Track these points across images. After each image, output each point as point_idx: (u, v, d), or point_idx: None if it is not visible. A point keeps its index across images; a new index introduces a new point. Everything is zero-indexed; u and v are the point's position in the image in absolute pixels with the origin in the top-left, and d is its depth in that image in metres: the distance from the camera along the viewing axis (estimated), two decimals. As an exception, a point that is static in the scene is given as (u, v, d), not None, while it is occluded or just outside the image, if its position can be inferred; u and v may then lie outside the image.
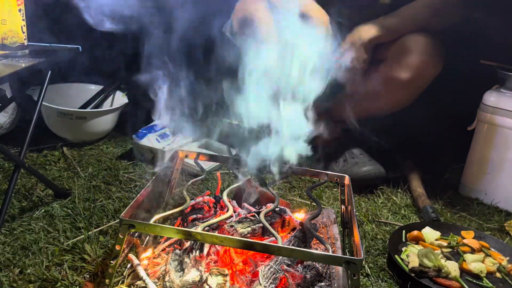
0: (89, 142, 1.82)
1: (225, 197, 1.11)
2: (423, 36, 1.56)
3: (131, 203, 0.95)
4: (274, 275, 0.95)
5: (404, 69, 1.56)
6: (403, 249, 1.23)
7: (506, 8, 1.77)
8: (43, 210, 1.29)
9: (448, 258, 1.21)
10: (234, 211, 1.14)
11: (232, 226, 1.06)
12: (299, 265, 1.00)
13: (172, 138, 1.80)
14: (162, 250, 1.09)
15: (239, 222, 1.07)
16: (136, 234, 1.09)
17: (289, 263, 0.98)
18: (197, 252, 1.00)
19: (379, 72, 1.63)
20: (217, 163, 1.66)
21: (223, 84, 1.26)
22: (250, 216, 1.11)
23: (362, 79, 1.70)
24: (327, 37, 1.39)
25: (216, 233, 1.04)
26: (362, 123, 2.10)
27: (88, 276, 1.04)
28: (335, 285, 0.99)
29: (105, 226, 1.24)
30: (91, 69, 1.81)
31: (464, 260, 1.20)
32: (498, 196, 1.58)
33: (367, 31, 1.57)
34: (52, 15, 1.56)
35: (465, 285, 1.11)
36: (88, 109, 1.88)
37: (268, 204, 1.21)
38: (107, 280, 0.93)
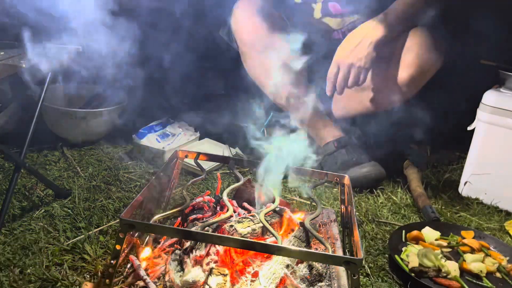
0: (89, 142, 1.82)
1: (225, 197, 1.10)
2: (422, 31, 1.55)
3: (131, 203, 0.95)
4: (274, 275, 0.95)
5: (404, 65, 1.55)
6: (403, 249, 1.23)
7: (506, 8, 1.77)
8: (43, 210, 1.30)
9: (448, 258, 1.21)
10: (234, 211, 1.14)
11: (232, 226, 1.06)
12: (299, 265, 1.00)
13: (172, 138, 1.80)
14: (162, 250, 1.09)
15: (239, 222, 1.07)
16: (136, 234, 1.09)
17: (289, 263, 0.98)
18: (197, 252, 1.00)
19: (378, 68, 1.63)
20: (217, 163, 1.66)
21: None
22: (250, 216, 1.11)
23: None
24: None
25: (216, 233, 1.04)
26: (362, 122, 2.10)
27: (88, 276, 1.04)
28: (335, 285, 0.99)
29: (105, 226, 1.24)
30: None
31: (464, 260, 1.20)
32: (498, 196, 1.58)
33: (374, 30, 1.50)
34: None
35: (465, 285, 1.11)
36: (88, 109, 1.88)
37: (268, 204, 1.21)
38: (107, 280, 0.93)
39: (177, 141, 1.78)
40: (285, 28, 1.69)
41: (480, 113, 1.57)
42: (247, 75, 1.74)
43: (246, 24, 1.60)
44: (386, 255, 1.22)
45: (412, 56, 1.55)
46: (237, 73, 1.75)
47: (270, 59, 1.62)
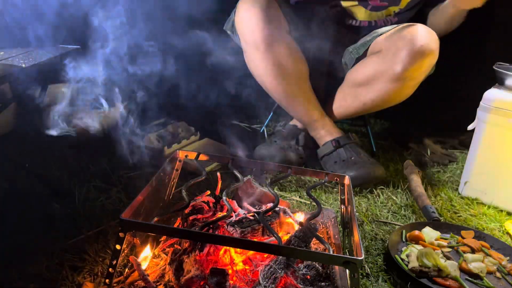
0: (89, 141, 1.82)
1: (225, 197, 1.11)
2: (417, 26, 1.55)
3: (131, 203, 0.95)
4: (274, 275, 0.95)
5: (399, 59, 1.54)
6: (403, 249, 1.24)
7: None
8: (43, 210, 1.29)
9: (448, 258, 1.21)
10: (234, 211, 1.14)
11: (232, 226, 1.06)
12: (299, 265, 1.01)
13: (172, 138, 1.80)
14: (162, 250, 1.09)
15: (239, 222, 1.07)
16: (136, 234, 1.09)
17: (289, 263, 0.98)
18: (197, 251, 1.00)
19: (374, 63, 1.62)
20: (217, 163, 1.66)
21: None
22: (250, 216, 1.11)
23: (358, 69, 1.69)
24: None
25: (216, 233, 1.04)
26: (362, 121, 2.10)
27: (88, 276, 1.04)
28: (335, 285, 0.99)
29: (105, 226, 1.24)
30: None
31: (464, 260, 1.20)
32: (498, 196, 1.58)
33: None
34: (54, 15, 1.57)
35: (465, 285, 1.11)
36: (88, 109, 1.88)
37: (268, 204, 1.21)
38: (107, 280, 0.93)
39: (178, 141, 1.78)
40: (288, 28, 1.68)
41: (480, 113, 1.57)
42: (248, 73, 1.73)
43: (249, 24, 1.59)
44: (386, 255, 1.22)
45: (407, 49, 1.51)
46: (239, 71, 1.75)
47: (272, 58, 1.61)
